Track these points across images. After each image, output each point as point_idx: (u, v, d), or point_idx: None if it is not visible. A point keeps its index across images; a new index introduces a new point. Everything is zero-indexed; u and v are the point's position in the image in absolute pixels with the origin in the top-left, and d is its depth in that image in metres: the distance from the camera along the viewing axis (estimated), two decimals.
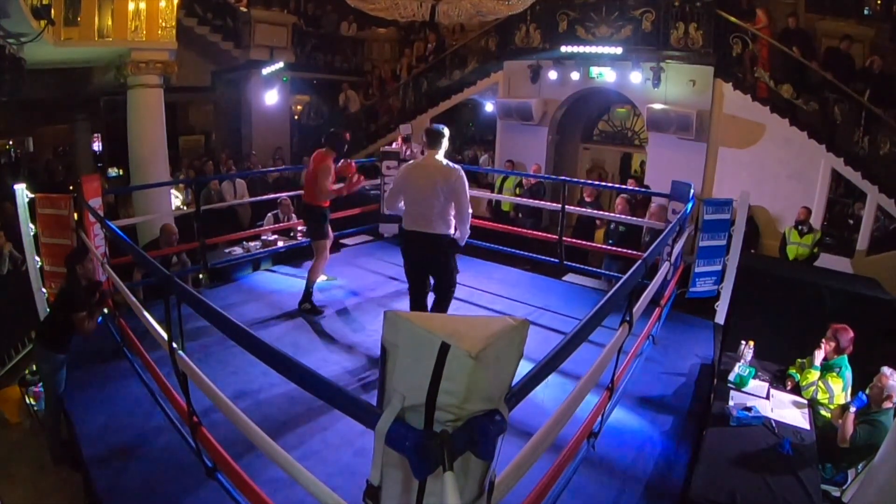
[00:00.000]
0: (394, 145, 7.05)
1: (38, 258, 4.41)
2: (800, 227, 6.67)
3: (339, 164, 4.81)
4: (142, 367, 3.25)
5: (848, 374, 3.46)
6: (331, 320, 4.54)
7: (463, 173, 3.72)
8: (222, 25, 10.25)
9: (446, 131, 3.85)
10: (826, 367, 3.45)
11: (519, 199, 7.93)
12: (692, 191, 4.72)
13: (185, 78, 9.46)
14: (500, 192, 8.99)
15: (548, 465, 2.21)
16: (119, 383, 3.53)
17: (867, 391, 3.18)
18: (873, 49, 7.82)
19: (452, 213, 3.75)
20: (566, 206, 5.51)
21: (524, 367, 1.41)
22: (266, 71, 10.44)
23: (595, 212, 6.44)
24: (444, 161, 3.74)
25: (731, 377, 3.49)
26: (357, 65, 12.47)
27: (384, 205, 6.11)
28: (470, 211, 3.84)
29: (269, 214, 6.57)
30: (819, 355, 3.44)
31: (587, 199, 7.63)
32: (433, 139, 3.77)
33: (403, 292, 5.06)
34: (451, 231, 3.80)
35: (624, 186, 7.72)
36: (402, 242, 3.92)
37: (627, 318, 2.57)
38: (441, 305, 3.96)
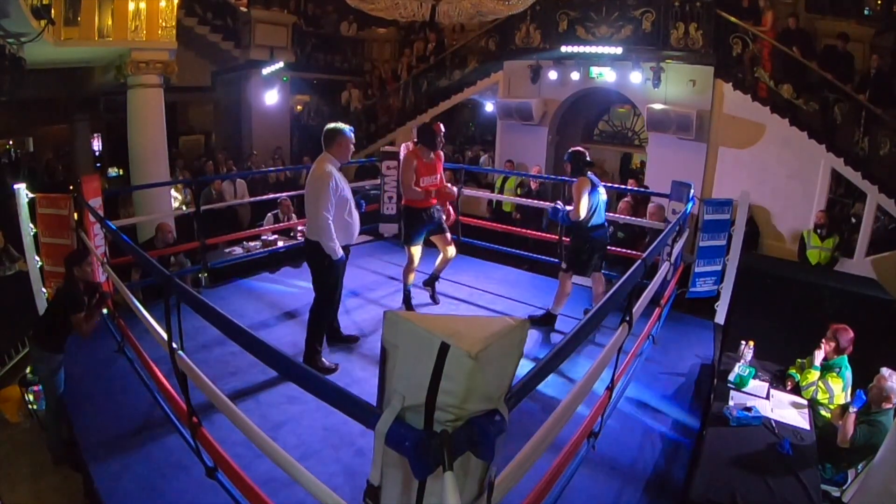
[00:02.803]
0: (402, 148, 7.01)
1: (38, 258, 4.41)
2: (819, 231, 6.69)
3: (430, 158, 4.50)
4: (142, 367, 3.24)
5: (848, 374, 3.46)
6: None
7: (321, 176, 3.48)
8: (222, 25, 10.26)
9: (341, 130, 3.60)
10: (826, 367, 3.45)
11: (519, 199, 7.92)
12: (692, 191, 4.72)
13: (185, 78, 9.45)
14: (500, 192, 8.99)
15: (548, 465, 2.21)
16: (119, 383, 3.53)
17: (867, 391, 3.18)
18: (874, 49, 7.82)
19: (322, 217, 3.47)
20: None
21: (524, 367, 1.40)
22: (266, 71, 10.45)
23: None
24: (326, 163, 3.55)
25: (731, 377, 3.49)
26: (357, 65, 12.47)
27: None
28: (323, 218, 3.46)
29: (269, 214, 6.57)
30: (819, 355, 3.44)
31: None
32: (324, 139, 3.62)
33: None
34: (326, 240, 3.50)
35: (624, 187, 7.72)
36: None
37: (627, 318, 2.56)
38: (309, 320, 3.77)
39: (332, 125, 3.68)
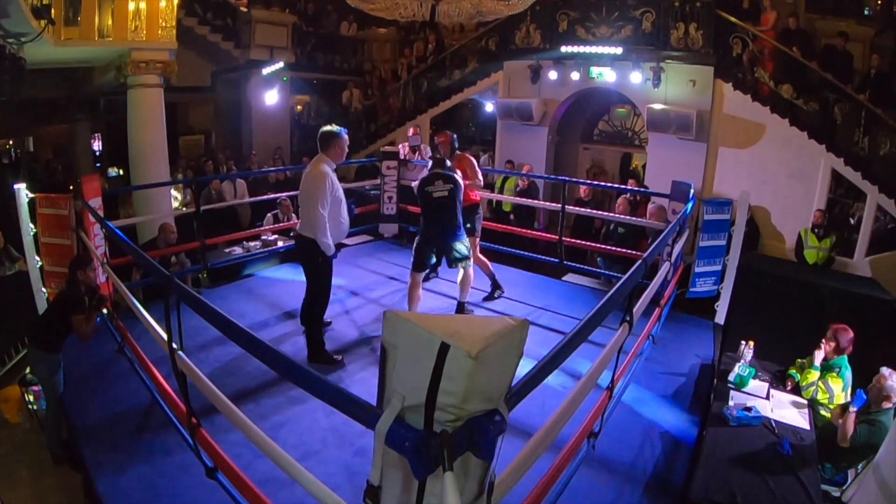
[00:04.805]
0: (400, 149, 7.02)
1: (38, 258, 4.41)
2: (816, 231, 6.69)
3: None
4: (141, 367, 3.25)
5: (848, 374, 3.46)
6: (331, 320, 4.53)
7: (318, 175, 3.63)
8: (222, 25, 10.26)
9: (338, 133, 3.74)
10: (826, 367, 3.44)
11: (520, 199, 7.92)
12: (692, 191, 4.72)
13: (185, 78, 9.46)
14: (500, 192, 8.97)
15: (548, 465, 2.21)
16: (119, 383, 3.53)
17: (867, 390, 3.18)
18: (874, 49, 7.82)
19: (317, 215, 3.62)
20: (566, 206, 5.52)
21: (524, 367, 1.40)
22: (266, 71, 10.44)
23: (595, 212, 6.43)
24: (322, 164, 3.69)
25: (731, 377, 3.49)
26: (357, 65, 12.47)
27: None
28: (320, 215, 3.61)
29: (269, 214, 6.57)
30: (819, 355, 3.44)
31: (584, 199, 7.63)
32: (321, 141, 3.76)
33: (403, 292, 5.06)
34: (321, 237, 3.66)
35: (624, 186, 7.72)
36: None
37: (627, 318, 2.56)
38: (308, 311, 3.90)
39: (327, 128, 3.82)
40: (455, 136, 4.95)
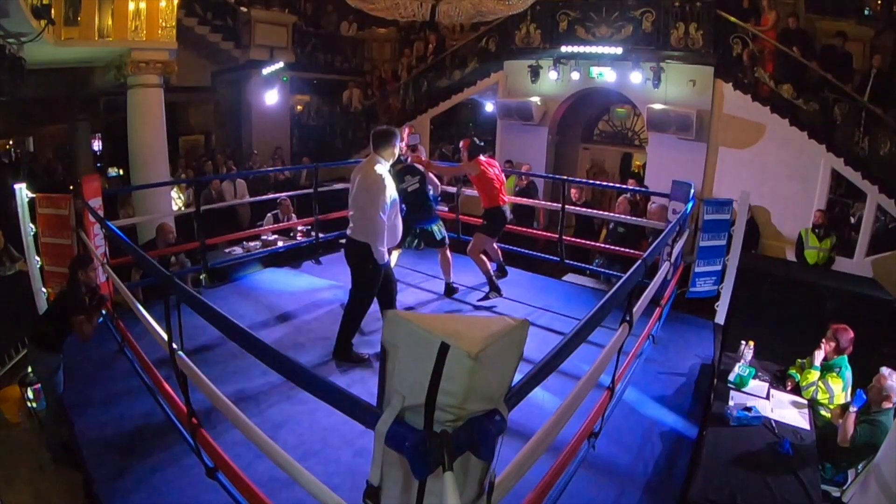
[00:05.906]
0: (402, 147, 7.03)
1: (38, 258, 4.41)
2: (817, 231, 6.69)
3: None
4: (141, 367, 3.24)
5: (848, 374, 3.46)
6: (331, 320, 4.54)
7: (378, 178, 3.55)
8: (222, 25, 10.26)
9: (395, 134, 3.71)
10: (826, 368, 3.44)
11: (519, 199, 7.91)
12: (692, 191, 4.72)
13: (185, 78, 9.45)
14: None
15: (548, 466, 2.21)
16: (119, 383, 3.52)
17: (867, 390, 3.18)
18: (874, 49, 7.82)
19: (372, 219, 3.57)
20: (566, 206, 5.52)
21: (524, 368, 1.40)
22: (266, 71, 10.45)
23: (595, 211, 6.43)
24: (378, 165, 3.61)
25: (731, 377, 3.49)
26: (357, 65, 12.47)
27: None
28: (380, 221, 3.53)
29: (269, 214, 6.57)
30: (819, 355, 3.44)
31: (576, 201, 7.59)
32: (375, 140, 3.69)
33: (403, 292, 5.07)
34: (377, 244, 3.59)
35: (624, 186, 7.72)
36: None
37: (627, 318, 2.56)
38: (345, 316, 3.86)
39: (384, 127, 3.76)
40: (473, 140, 5.07)
